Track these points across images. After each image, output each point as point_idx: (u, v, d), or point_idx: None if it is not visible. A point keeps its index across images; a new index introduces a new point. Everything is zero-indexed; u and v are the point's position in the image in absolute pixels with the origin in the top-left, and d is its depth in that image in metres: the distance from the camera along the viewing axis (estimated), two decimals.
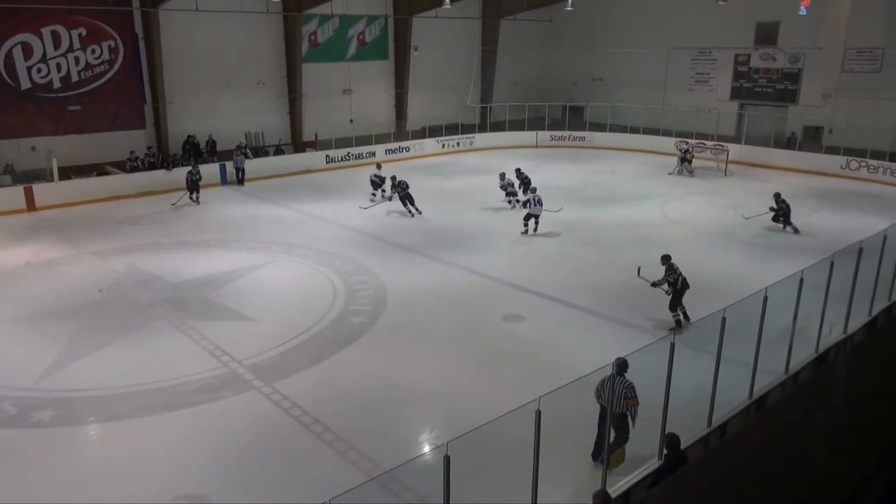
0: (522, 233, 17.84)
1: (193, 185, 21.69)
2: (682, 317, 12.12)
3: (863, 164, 26.08)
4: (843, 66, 28.99)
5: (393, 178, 21.08)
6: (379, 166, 23.06)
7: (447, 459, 5.22)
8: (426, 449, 8.75)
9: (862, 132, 26.63)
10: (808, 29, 29.21)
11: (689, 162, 25.98)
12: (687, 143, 28.47)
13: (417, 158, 29.82)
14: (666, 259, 12.45)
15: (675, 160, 26.92)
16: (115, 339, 11.99)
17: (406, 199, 20.21)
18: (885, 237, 11.44)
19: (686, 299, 12.55)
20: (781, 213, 18.21)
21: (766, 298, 8.82)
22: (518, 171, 22.05)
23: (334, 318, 13.03)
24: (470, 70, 34.55)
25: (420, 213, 20.08)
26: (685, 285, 12.25)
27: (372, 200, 21.78)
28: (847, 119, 27.94)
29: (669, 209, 21.19)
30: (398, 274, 15.35)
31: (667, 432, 7.41)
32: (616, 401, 7.37)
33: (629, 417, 7.64)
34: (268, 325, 12.63)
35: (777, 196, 18.56)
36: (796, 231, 17.99)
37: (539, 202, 17.90)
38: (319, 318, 12.96)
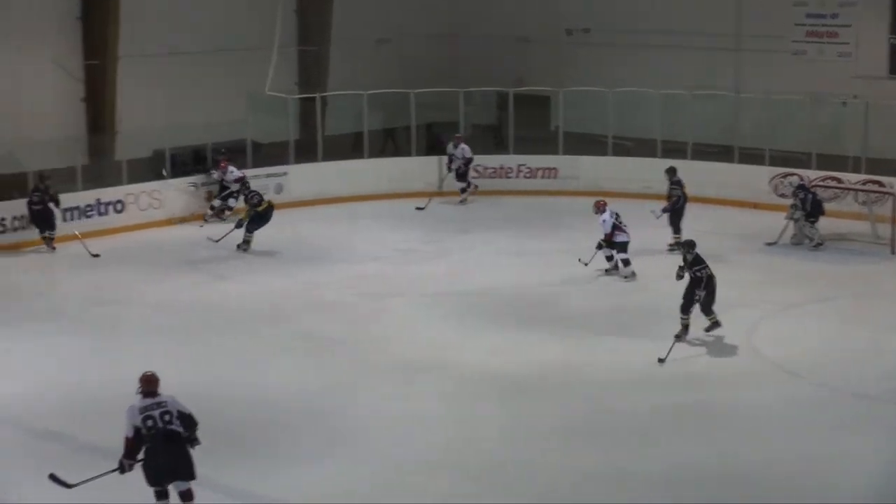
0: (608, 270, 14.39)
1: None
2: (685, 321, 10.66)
3: None
4: None
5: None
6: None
7: None
8: None
9: None
10: None
11: (812, 216, 14.98)
12: (800, 177, 15.76)
13: (135, 230, 15.29)
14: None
15: (779, 218, 15.46)
16: None
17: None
18: None
19: None
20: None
21: None
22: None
23: None
24: (268, 20, 17.62)
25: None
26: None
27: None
28: None
29: (766, 334, 11.84)
30: None
31: None
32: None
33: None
34: None
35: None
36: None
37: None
38: None
